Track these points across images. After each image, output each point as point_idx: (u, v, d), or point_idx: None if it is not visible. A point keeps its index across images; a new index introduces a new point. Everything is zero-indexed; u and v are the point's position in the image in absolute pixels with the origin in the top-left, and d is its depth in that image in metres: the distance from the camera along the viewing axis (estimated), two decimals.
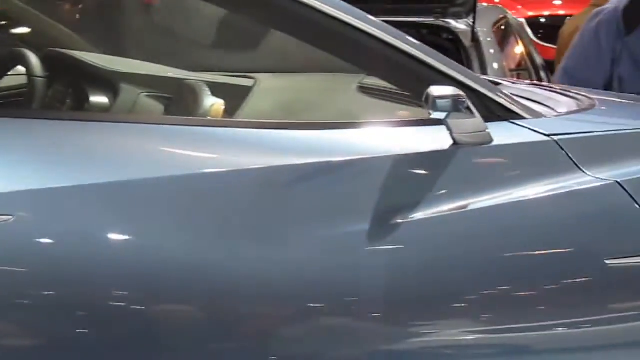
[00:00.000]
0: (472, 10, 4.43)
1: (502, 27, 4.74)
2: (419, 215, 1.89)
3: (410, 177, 1.95)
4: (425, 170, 1.96)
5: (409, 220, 1.88)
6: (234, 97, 2.63)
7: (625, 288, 1.99)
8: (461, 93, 1.92)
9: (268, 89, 2.78)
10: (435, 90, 1.90)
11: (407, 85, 2.15)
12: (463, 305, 1.90)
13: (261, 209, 1.83)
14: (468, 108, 1.93)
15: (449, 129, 1.93)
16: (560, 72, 3.55)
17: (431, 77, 2.01)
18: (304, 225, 1.83)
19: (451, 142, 1.95)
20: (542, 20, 7.88)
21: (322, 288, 1.81)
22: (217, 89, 2.56)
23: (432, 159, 1.96)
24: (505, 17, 4.85)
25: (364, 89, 2.74)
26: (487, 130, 1.97)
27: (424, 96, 1.90)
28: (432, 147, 1.96)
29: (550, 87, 2.87)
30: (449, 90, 1.91)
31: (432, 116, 1.92)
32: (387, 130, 2.04)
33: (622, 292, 1.99)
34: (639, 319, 2.00)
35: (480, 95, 2.05)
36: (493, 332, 1.91)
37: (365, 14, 2.06)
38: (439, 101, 1.88)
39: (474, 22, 4.40)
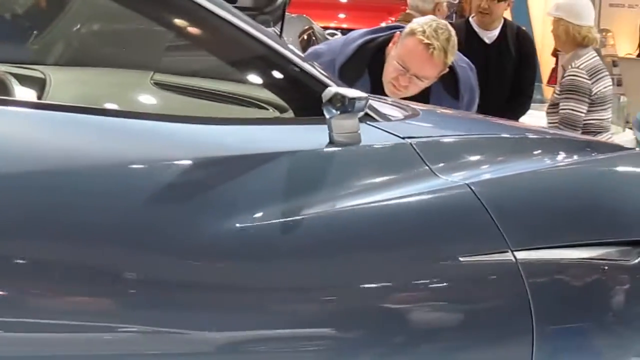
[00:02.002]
0: (280, 19, 4.51)
1: (307, 37, 4.85)
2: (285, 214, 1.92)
3: (287, 175, 1.98)
4: (300, 169, 2.00)
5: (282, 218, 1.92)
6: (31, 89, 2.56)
7: (477, 283, 2.07)
8: (364, 94, 1.99)
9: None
10: (341, 90, 1.96)
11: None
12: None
13: None
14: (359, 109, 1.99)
15: (330, 128, 1.99)
16: None
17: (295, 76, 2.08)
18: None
19: (327, 141, 2.01)
20: (328, 32, 8.08)
21: None
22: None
23: (309, 158, 2.01)
24: (311, 28, 4.97)
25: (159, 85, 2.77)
26: (359, 132, 2.04)
27: (325, 94, 1.95)
28: (310, 145, 2.01)
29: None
30: (353, 91, 1.97)
31: (326, 115, 1.97)
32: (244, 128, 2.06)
33: (475, 286, 2.08)
34: (491, 312, 2.10)
35: (326, 86, 2.07)
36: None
37: None
38: (347, 101, 1.94)
39: (281, 31, 4.48)
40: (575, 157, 2.48)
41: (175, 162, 1.87)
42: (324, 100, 1.97)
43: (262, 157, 1.95)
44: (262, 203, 1.90)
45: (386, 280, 1.98)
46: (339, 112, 1.97)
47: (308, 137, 2.04)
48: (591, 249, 2.20)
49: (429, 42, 3.32)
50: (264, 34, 2.11)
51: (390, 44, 3.47)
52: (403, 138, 2.13)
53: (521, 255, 2.08)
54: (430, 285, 2.03)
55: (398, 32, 3.48)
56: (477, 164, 2.23)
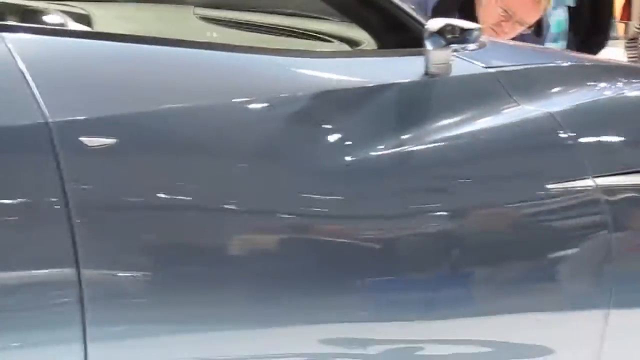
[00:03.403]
0: None
1: None
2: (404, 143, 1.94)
3: (393, 106, 2.00)
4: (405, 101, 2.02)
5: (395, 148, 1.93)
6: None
7: (563, 210, 2.12)
8: (476, 25, 2.01)
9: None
10: (452, 21, 1.98)
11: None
12: None
13: None
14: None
15: (427, 60, 2.01)
16: None
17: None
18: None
19: (423, 72, 2.03)
20: None
21: None
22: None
23: (409, 90, 2.02)
24: None
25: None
26: (451, 63, 2.05)
27: (431, 25, 1.97)
28: (409, 77, 2.02)
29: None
30: (463, 22, 1.99)
31: (428, 46, 1.99)
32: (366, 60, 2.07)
33: (561, 213, 2.12)
34: (576, 239, 2.13)
35: (420, 24, 2.10)
36: None
37: None
38: (457, 32, 1.96)
39: None
40: (626, 81, 2.49)
41: (297, 94, 1.87)
42: (429, 31, 1.98)
43: (368, 90, 1.97)
44: (377, 134, 1.92)
45: (486, 206, 2.02)
46: (446, 44, 1.98)
47: (402, 69, 2.06)
48: None
49: None
50: None
51: None
52: (486, 68, 2.16)
53: (600, 181, 2.13)
54: (522, 211, 2.07)
55: None
56: (555, 93, 2.25)
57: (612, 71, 2.55)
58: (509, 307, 2.04)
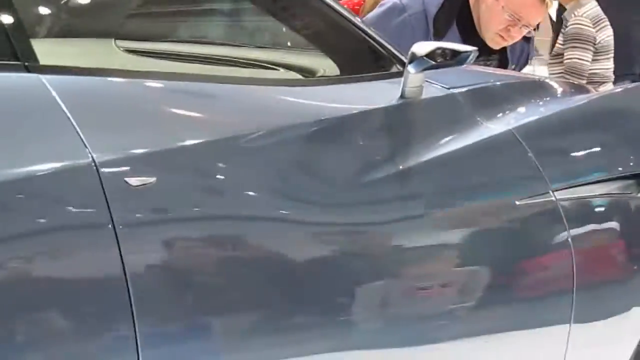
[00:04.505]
0: None
1: None
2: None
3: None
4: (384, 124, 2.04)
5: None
6: None
7: (534, 223, 2.15)
8: (470, 47, 2.02)
9: None
10: (443, 44, 2.00)
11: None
12: None
13: None
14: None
15: (405, 83, 2.02)
16: None
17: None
18: None
19: (399, 95, 2.03)
20: None
21: None
22: None
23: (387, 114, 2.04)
24: None
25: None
26: (423, 85, 2.06)
27: (419, 49, 1.98)
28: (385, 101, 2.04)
29: None
30: (455, 45, 2.01)
31: (411, 69, 2.00)
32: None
33: (532, 226, 2.16)
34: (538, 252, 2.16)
35: (388, 50, 2.12)
36: None
37: None
38: (449, 55, 1.97)
39: None
40: (578, 96, 2.59)
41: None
42: (417, 55, 1.98)
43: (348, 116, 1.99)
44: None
45: (451, 224, 2.03)
46: (432, 67, 1.99)
47: (377, 93, 2.08)
48: (609, 183, 2.31)
49: None
50: None
51: None
52: (449, 89, 2.18)
53: (559, 195, 2.17)
54: (492, 228, 2.11)
55: None
56: (511, 110, 2.29)
57: (551, 87, 2.62)
58: (472, 326, 2.03)
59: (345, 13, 2.13)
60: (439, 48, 1.98)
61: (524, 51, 3.58)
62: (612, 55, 4.88)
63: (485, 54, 3.36)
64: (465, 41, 3.20)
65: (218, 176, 1.77)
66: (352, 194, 1.88)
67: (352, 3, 4.58)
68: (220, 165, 1.76)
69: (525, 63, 3.65)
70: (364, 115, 2.00)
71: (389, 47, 2.14)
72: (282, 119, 1.87)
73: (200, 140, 1.74)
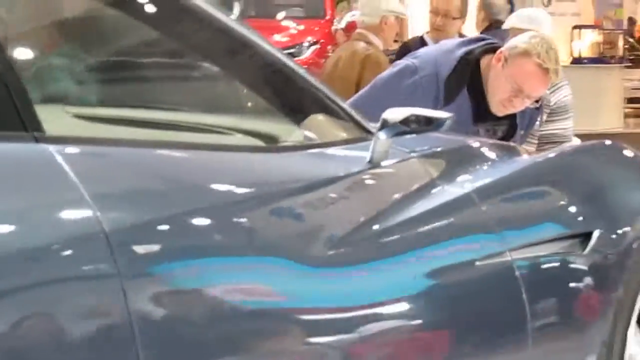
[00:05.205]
0: None
1: None
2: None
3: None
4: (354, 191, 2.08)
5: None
6: None
7: (492, 283, 2.21)
8: (446, 114, 2.08)
9: None
10: (417, 111, 2.04)
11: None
12: None
13: None
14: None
15: (374, 149, 2.04)
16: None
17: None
18: None
19: (367, 160, 2.05)
20: None
21: None
22: None
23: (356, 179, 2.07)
24: None
25: None
26: (388, 150, 2.08)
27: (392, 115, 2.01)
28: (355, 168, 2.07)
29: None
30: (429, 111, 2.07)
31: (383, 135, 2.04)
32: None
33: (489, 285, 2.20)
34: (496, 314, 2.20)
35: (351, 117, 2.14)
36: None
37: None
38: (425, 121, 2.02)
39: None
40: (527, 156, 2.71)
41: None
42: (389, 121, 2.01)
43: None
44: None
45: (412, 285, 2.06)
46: (402, 133, 2.04)
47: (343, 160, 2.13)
48: (558, 242, 2.39)
49: (547, 66, 3.33)
50: None
51: (494, 61, 3.42)
52: (409, 153, 2.22)
53: (515, 255, 2.24)
54: (451, 287, 2.15)
55: (502, 49, 3.44)
56: (470, 173, 2.35)
57: (497, 149, 2.69)
58: None
59: (314, 82, 2.16)
60: (412, 115, 1.98)
61: (532, 118, 3.64)
62: (572, 115, 4.87)
63: (495, 118, 3.41)
64: (475, 105, 3.30)
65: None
66: (317, 260, 1.89)
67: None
68: None
69: (531, 129, 3.72)
70: (330, 182, 2.01)
71: (352, 113, 2.16)
72: (248, 187, 1.88)
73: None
